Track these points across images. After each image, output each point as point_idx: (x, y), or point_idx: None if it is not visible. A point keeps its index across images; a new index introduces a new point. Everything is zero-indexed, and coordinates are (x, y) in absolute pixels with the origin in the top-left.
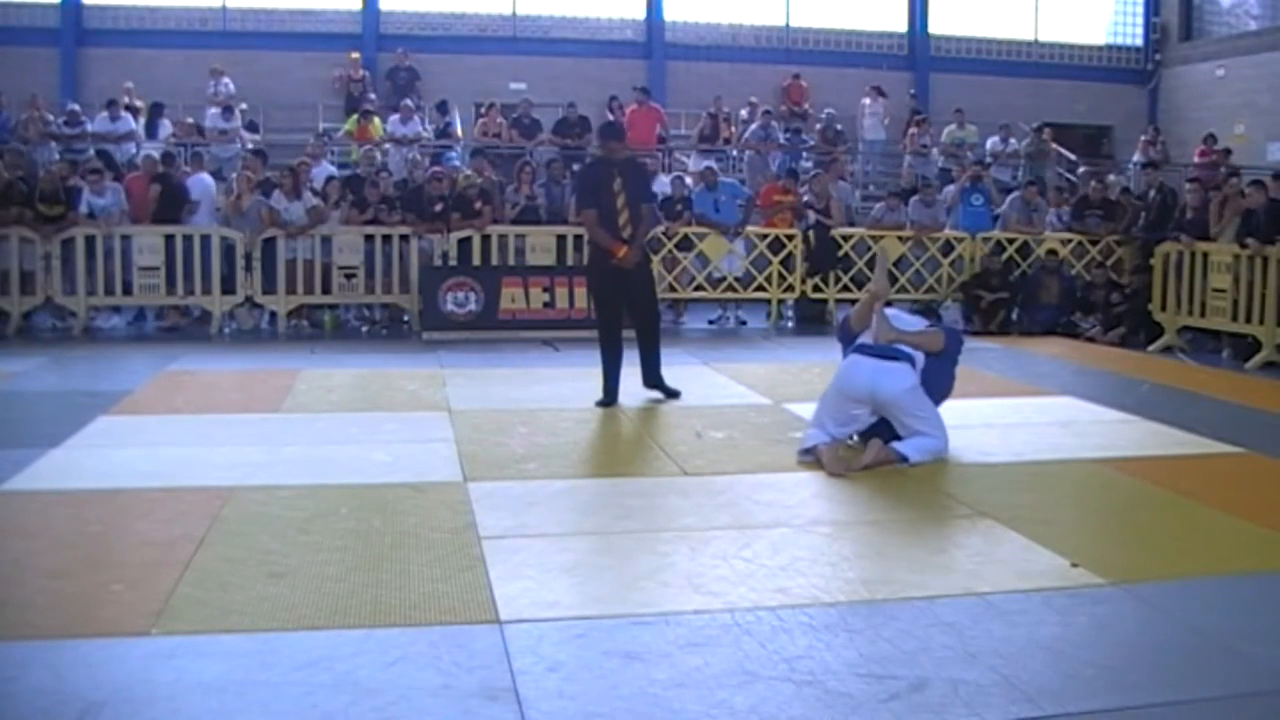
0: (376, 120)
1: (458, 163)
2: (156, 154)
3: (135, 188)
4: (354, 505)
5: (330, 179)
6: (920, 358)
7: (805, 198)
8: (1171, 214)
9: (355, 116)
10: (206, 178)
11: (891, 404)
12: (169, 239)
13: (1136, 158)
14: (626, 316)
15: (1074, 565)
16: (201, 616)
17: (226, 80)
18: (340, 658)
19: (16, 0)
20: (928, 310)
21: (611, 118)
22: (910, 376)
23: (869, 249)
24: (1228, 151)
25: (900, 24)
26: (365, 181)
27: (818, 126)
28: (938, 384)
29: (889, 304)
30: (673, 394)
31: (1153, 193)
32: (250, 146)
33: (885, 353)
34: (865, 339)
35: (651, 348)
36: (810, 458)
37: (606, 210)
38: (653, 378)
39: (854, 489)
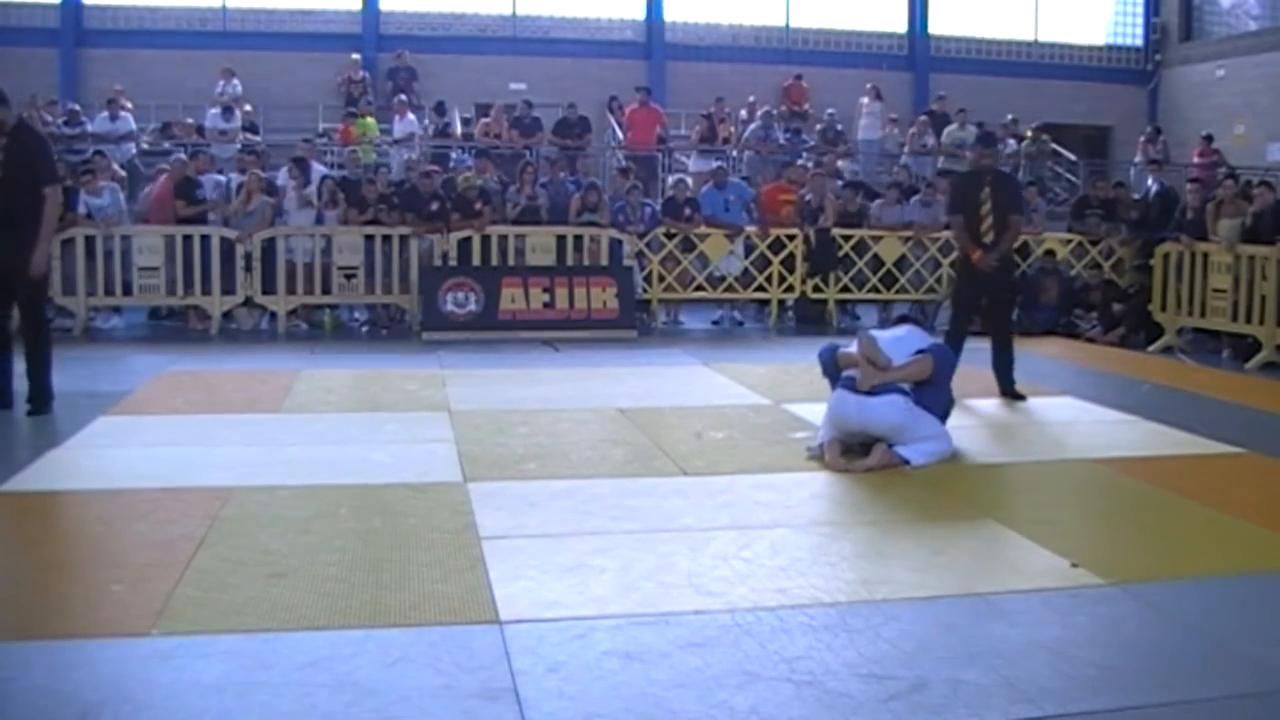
0: (366, 120)
1: (457, 162)
2: (184, 156)
3: (157, 189)
4: (354, 505)
5: (325, 179)
6: (908, 385)
7: (808, 196)
8: (1171, 214)
9: (365, 119)
10: (219, 178)
11: (885, 435)
12: (169, 239)
13: (1137, 158)
14: (980, 321)
15: (1074, 565)
16: (201, 617)
17: (236, 82)
18: (340, 658)
19: (16, 0)
20: (916, 320)
21: (987, 130)
22: (898, 409)
23: (870, 249)
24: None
25: (900, 24)
26: (359, 182)
27: (818, 126)
28: (935, 404)
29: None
30: (1019, 397)
31: (1153, 193)
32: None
33: (871, 389)
34: (853, 373)
35: (1003, 351)
36: (818, 452)
37: (971, 217)
38: (1006, 384)
39: (854, 489)
